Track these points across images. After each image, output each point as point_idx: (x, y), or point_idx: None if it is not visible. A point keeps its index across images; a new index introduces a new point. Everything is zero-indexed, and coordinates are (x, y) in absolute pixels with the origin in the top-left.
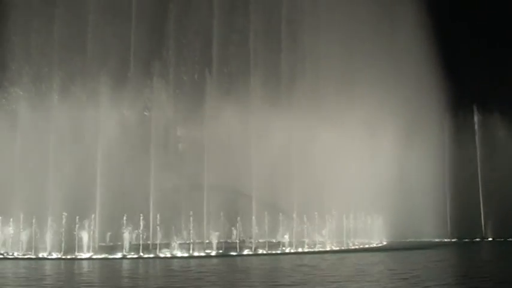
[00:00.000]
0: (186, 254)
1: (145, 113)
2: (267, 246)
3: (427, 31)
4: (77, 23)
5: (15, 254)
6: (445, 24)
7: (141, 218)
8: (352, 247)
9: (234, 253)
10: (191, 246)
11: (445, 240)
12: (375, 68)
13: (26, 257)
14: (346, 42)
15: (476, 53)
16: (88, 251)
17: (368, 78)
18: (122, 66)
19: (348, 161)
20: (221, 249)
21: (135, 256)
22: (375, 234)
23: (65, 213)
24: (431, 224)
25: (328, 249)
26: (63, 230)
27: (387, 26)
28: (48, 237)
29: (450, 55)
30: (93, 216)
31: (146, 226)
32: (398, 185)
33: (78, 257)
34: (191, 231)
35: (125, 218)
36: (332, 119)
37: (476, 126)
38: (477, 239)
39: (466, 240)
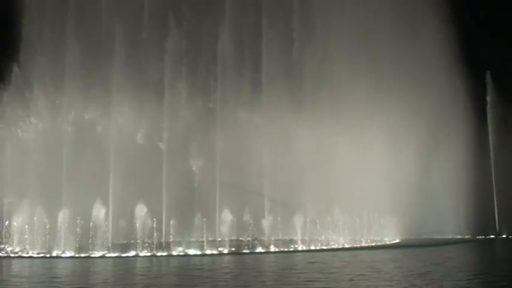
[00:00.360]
0: (198, 252)
1: (160, 145)
2: (280, 244)
3: (448, 37)
4: (89, 43)
5: (30, 253)
6: (466, 29)
7: (155, 222)
8: (365, 244)
9: (246, 251)
10: (204, 244)
11: (458, 237)
12: (397, 76)
13: (40, 255)
14: (368, 51)
15: (499, 56)
16: (101, 249)
17: (391, 86)
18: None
19: (368, 164)
20: (234, 247)
21: (148, 254)
22: (388, 231)
23: (78, 218)
24: (444, 222)
25: (341, 246)
26: (78, 229)
27: (408, 34)
28: (63, 236)
29: (473, 60)
30: (106, 214)
31: (159, 224)
32: (416, 185)
33: (92, 255)
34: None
35: (137, 217)
36: (353, 127)
37: (491, 129)
38: (491, 236)
39: (480, 237)
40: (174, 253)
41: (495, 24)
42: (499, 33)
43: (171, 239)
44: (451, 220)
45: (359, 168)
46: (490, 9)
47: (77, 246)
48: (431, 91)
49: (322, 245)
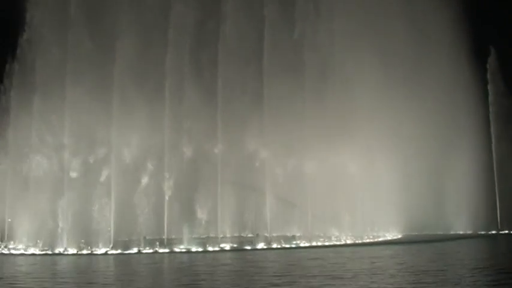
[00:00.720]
0: (200, 249)
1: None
2: (282, 240)
3: (460, 44)
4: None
5: (33, 250)
6: (476, 29)
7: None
8: (367, 240)
9: (248, 247)
10: (206, 241)
11: (461, 232)
12: (411, 85)
13: (43, 252)
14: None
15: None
16: (104, 246)
17: (404, 94)
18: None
19: (373, 166)
20: (236, 244)
21: (151, 251)
22: (389, 228)
23: (82, 241)
24: (446, 218)
25: (342, 242)
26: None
27: (422, 44)
28: (65, 234)
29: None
30: (108, 212)
31: (161, 221)
32: (420, 184)
33: (94, 252)
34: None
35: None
36: (360, 135)
37: (492, 125)
38: (493, 232)
39: (482, 232)
40: (176, 250)
41: (504, 23)
42: (507, 31)
43: (173, 236)
44: (452, 216)
45: (364, 170)
46: (500, 9)
47: (81, 244)
48: (443, 99)
49: (324, 241)
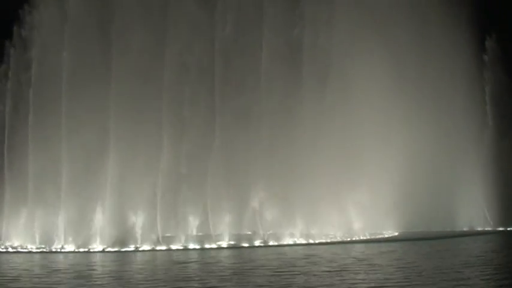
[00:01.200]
0: (197, 246)
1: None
2: (278, 237)
3: (466, 44)
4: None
5: (29, 247)
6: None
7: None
8: (364, 238)
9: (245, 245)
10: (203, 238)
11: (457, 230)
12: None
13: (39, 250)
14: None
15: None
16: (101, 243)
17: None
18: None
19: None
20: (232, 241)
21: (148, 248)
22: (386, 225)
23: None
24: (443, 215)
25: (339, 239)
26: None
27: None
28: (62, 231)
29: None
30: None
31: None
32: (417, 181)
33: (91, 250)
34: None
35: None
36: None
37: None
38: (489, 229)
39: (479, 229)
40: (173, 247)
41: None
42: None
43: (170, 234)
44: (449, 214)
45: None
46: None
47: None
48: (443, 107)
49: (320, 238)
